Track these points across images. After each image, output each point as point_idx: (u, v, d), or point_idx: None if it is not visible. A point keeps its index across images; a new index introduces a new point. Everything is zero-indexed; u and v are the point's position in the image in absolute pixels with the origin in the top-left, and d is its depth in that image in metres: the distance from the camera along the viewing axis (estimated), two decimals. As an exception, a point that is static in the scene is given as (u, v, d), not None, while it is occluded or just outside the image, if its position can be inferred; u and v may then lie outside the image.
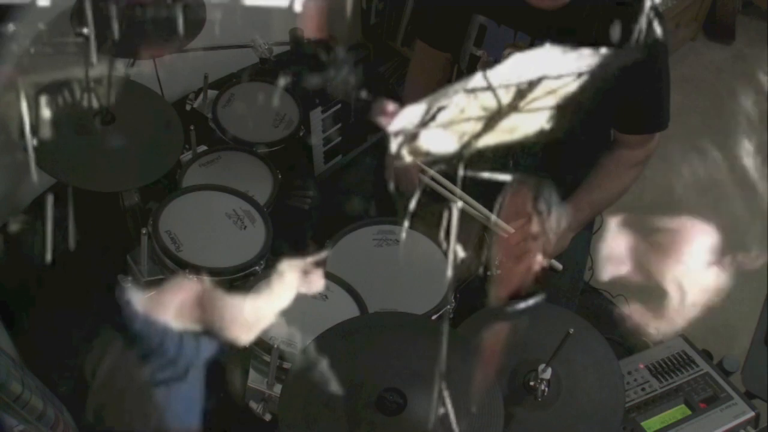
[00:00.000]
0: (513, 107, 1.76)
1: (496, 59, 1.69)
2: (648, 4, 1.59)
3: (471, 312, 1.43)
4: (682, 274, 2.53)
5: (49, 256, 1.77)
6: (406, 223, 1.58)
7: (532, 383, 1.29)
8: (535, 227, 1.50)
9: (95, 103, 1.66)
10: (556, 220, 1.55)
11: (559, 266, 1.61)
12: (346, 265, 1.67)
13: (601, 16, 1.54)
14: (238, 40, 2.10)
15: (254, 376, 1.49)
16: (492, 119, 1.67)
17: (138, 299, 1.44)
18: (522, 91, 1.41)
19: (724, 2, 3.39)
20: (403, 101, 1.60)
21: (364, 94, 1.82)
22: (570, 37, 1.59)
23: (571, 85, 1.63)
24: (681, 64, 3.29)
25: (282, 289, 1.29)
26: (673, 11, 3.10)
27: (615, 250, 1.75)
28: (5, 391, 1.36)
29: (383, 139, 2.10)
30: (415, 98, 1.79)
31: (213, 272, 1.60)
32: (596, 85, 1.60)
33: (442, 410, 1.12)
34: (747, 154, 3.01)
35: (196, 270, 1.61)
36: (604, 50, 1.56)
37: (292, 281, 1.42)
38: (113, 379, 1.67)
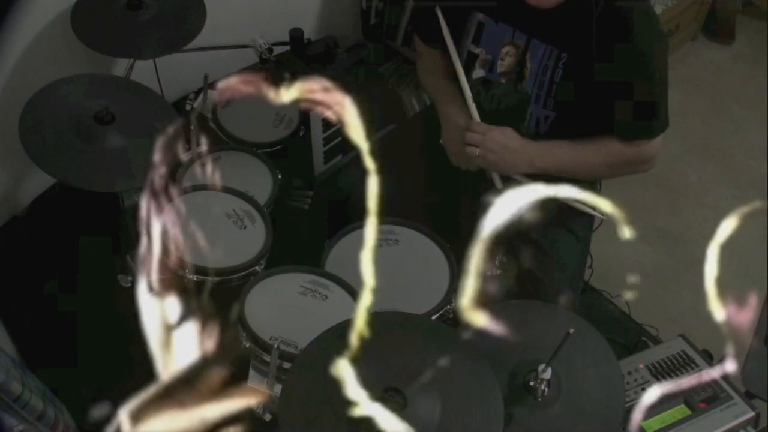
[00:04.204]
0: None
1: (494, 57, 1.69)
2: (644, 4, 1.60)
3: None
4: (682, 274, 2.53)
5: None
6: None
7: (532, 383, 1.29)
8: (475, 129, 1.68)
9: (95, 103, 1.66)
10: (500, 134, 1.65)
11: (498, 183, 1.70)
12: (346, 265, 1.67)
13: (598, 15, 1.54)
14: (238, 40, 2.10)
15: (254, 376, 1.49)
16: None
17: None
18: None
19: (724, 2, 3.39)
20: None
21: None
22: (566, 36, 1.60)
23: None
24: (681, 64, 3.29)
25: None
26: (673, 11, 3.09)
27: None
28: (5, 391, 1.36)
29: (383, 138, 2.11)
30: (436, 95, 1.81)
31: (213, 272, 1.60)
32: (587, 86, 1.61)
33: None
34: (746, 154, 3.01)
35: (196, 270, 1.61)
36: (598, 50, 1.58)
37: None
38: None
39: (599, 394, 1.32)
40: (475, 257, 0.90)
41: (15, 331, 1.87)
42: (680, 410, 1.55)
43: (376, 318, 1.50)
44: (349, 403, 1.16)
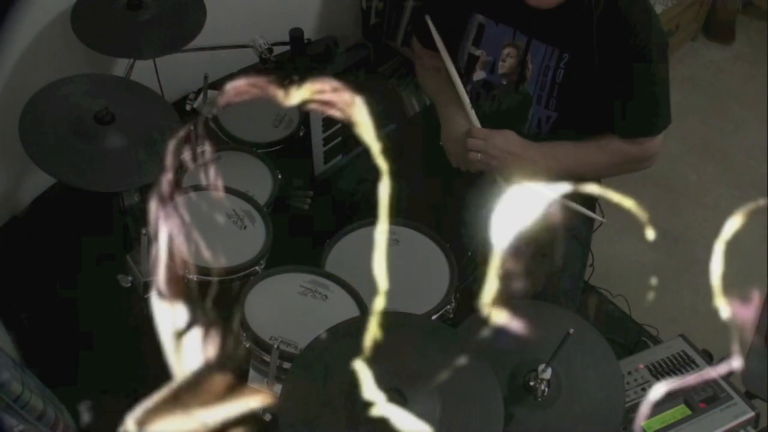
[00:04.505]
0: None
1: (494, 59, 1.69)
2: (644, 4, 1.60)
3: (471, 312, 1.43)
4: (682, 274, 2.53)
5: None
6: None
7: (532, 383, 1.29)
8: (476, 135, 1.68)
9: (95, 103, 1.66)
10: (502, 138, 1.65)
11: (504, 185, 1.69)
12: (346, 265, 1.67)
13: (598, 15, 1.54)
14: (238, 40, 2.10)
15: (254, 376, 1.49)
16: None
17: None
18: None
19: (724, 2, 3.39)
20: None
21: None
22: (567, 37, 1.60)
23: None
24: (681, 64, 3.29)
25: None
26: (673, 11, 3.10)
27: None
28: (5, 391, 1.36)
29: (385, 137, 2.11)
30: (436, 96, 1.81)
31: (214, 272, 1.60)
32: (589, 85, 1.61)
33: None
34: (746, 154, 3.01)
35: (196, 270, 1.61)
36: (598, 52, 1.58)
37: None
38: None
39: (599, 394, 1.32)
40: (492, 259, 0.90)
41: (15, 331, 1.87)
42: (680, 410, 1.55)
43: (376, 318, 1.51)
44: (349, 403, 1.16)
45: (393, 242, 1.74)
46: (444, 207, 1.86)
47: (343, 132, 2.22)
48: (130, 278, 1.71)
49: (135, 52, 1.90)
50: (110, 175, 1.65)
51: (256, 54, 2.09)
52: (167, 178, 1.14)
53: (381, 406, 1.05)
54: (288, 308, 1.57)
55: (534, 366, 1.28)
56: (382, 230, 0.92)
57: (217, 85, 2.14)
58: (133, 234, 1.87)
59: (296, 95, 1.00)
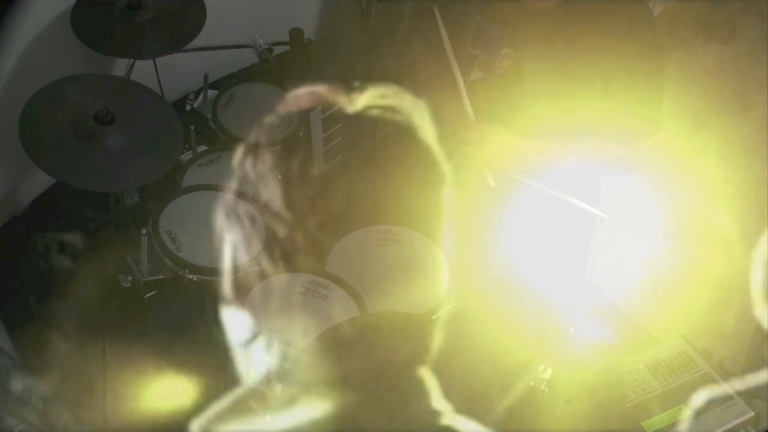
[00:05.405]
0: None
1: (492, 59, 1.69)
2: (641, 5, 1.59)
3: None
4: (683, 274, 2.53)
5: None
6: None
7: (532, 383, 1.29)
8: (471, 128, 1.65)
9: (95, 103, 1.66)
10: (495, 132, 1.64)
11: (492, 181, 1.67)
12: (346, 265, 1.67)
13: (594, 17, 1.54)
14: (238, 40, 2.11)
15: (254, 376, 1.49)
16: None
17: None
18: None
19: (724, 2, 3.39)
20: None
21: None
22: (564, 37, 1.60)
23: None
24: (681, 64, 3.28)
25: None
26: (673, 11, 3.10)
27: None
28: (5, 391, 1.36)
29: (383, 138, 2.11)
30: (435, 95, 1.81)
31: (213, 272, 1.60)
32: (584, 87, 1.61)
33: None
34: (746, 154, 3.01)
35: (196, 270, 1.61)
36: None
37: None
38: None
39: (599, 393, 1.31)
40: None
41: (15, 331, 1.87)
42: (680, 410, 1.55)
43: (375, 318, 1.51)
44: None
45: (393, 242, 1.74)
46: (443, 206, 1.86)
47: (343, 132, 2.22)
48: (129, 278, 1.71)
49: (135, 52, 1.90)
50: (110, 175, 1.65)
51: (256, 54, 2.10)
52: (232, 188, 1.13)
53: (449, 416, 1.05)
54: (289, 308, 1.57)
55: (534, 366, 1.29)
56: (448, 236, 0.93)
57: (217, 85, 2.15)
58: (132, 233, 1.87)
59: (360, 101, 0.99)
